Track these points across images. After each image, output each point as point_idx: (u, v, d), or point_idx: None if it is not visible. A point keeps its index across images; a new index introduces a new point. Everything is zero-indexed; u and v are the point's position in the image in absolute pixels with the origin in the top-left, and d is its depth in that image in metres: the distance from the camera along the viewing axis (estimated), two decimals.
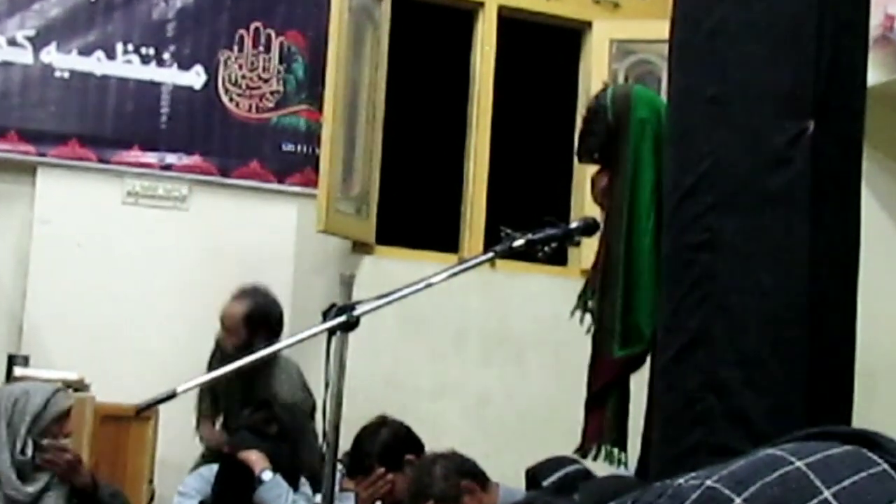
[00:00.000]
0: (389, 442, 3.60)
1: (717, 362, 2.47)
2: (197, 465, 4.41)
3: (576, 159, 5.99)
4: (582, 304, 3.40)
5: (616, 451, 3.27)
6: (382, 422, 3.68)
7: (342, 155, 5.44)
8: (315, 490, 3.76)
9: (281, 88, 5.66)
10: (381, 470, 3.56)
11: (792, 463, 0.88)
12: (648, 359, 3.21)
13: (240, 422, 4.04)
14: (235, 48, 5.61)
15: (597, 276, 3.35)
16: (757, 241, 2.49)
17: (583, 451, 3.32)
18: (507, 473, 3.41)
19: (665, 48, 2.90)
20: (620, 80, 5.80)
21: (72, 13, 5.39)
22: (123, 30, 5.45)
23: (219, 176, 5.55)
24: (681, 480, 0.91)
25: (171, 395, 2.52)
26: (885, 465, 0.88)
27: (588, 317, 3.40)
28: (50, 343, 5.14)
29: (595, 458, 3.27)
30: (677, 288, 2.59)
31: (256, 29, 5.64)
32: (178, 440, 4.76)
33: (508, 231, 2.74)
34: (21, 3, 5.35)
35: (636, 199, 3.21)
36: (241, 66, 5.61)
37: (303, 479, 3.85)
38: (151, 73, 5.49)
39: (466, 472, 3.17)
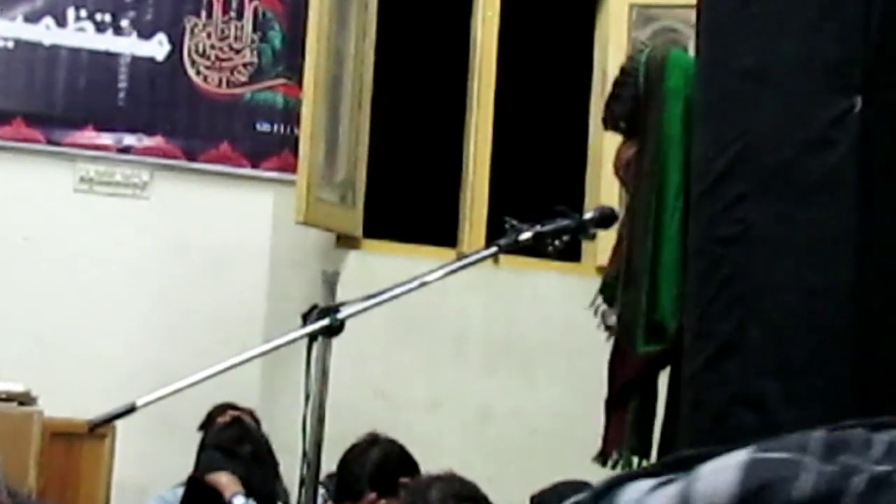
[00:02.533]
0: (381, 463, 3.60)
1: (751, 373, 2.47)
2: None
3: (590, 141, 6.05)
4: (606, 295, 3.39)
5: (636, 459, 3.27)
6: (373, 440, 3.68)
7: (325, 136, 5.43)
8: None
9: (255, 60, 5.66)
10: (373, 495, 3.56)
11: None
12: (669, 368, 3.21)
13: (208, 440, 4.04)
14: (203, 14, 5.60)
15: (620, 260, 3.34)
16: (797, 233, 2.49)
17: (603, 457, 3.32)
18: (513, 499, 3.41)
19: (692, 14, 2.90)
20: None
21: None
22: None
23: (184, 160, 5.54)
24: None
25: (130, 409, 2.51)
26: None
27: (605, 314, 3.40)
28: None
29: (614, 467, 3.27)
30: (706, 287, 2.59)
31: None
32: (137, 460, 4.76)
33: (514, 222, 2.74)
34: None
35: (664, 179, 3.21)
36: (209, 35, 5.60)
37: None
38: (107, 42, 5.48)
39: (466, 498, 3.17)
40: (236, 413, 4.58)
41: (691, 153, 2.90)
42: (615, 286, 3.36)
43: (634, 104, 3.31)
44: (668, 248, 3.18)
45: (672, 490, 0.94)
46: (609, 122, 3.49)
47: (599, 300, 3.40)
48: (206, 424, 4.82)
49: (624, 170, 3.40)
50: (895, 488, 0.88)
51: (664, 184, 3.20)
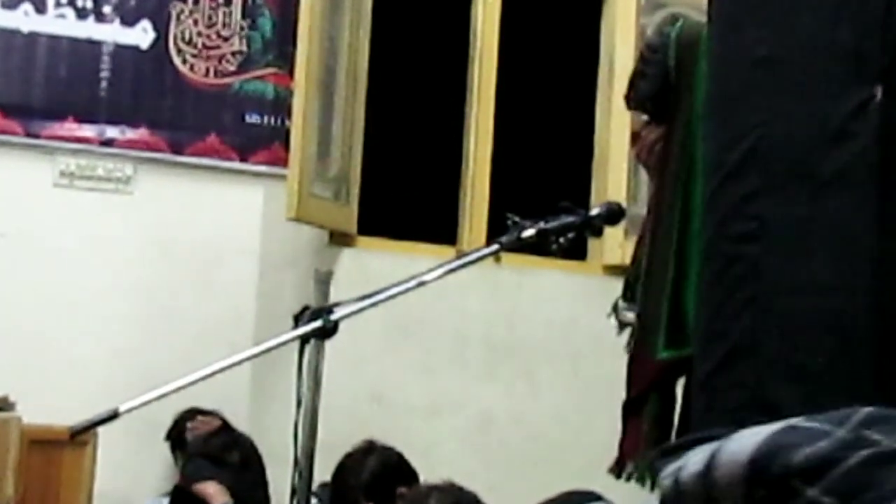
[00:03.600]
0: (378, 472, 3.60)
1: (765, 376, 2.47)
2: None
3: (596, 133, 6.05)
4: (627, 295, 3.36)
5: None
6: (369, 448, 3.68)
7: (317, 128, 5.43)
8: None
9: (244, 48, 5.65)
10: None
11: None
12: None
13: (195, 448, 4.05)
14: (189, 0, 5.60)
15: (643, 255, 3.31)
16: (813, 231, 2.48)
17: (618, 468, 3.31)
18: None
19: (703, 0, 2.89)
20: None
21: None
22: None
23: (169, 153, 5.54)
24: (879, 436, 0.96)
25: (113, 416, 2.51)
26: None
27: (621, 308, 3.38)
28: None
29: (629, 479, 3.26)
30: (718, 287, 2.59)
31: None
32: (119, 469, 4.75)
33: (516, 219, 2.74)
34: None
35: (693, 166, 3.15)
36: (196, 22, 5.60)
37: None
38: (89, 29, 5.48)
39: None
40: (207, 419, 4.58)
41: (703, 147, 2.89)
42: (635, 286, 3.33)
43: (663, 83, 3.24)
44: (695, 245, 3.15)
45: (710, 446, 1.01)
46: (634, 101, 3.41)
47: (620, 302, 3.38)
48: (175, 432, 4.82)
49: (649, 154, 3.34)
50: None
51: (692, 174, 3.15)
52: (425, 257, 4.96)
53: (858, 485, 0.93)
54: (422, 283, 2.67)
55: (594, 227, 2.85)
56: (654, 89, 3.27)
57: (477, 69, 5.97)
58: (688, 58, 3.20)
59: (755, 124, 2.55)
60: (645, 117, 3.37)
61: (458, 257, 2.90)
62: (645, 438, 3.26)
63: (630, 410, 3.32)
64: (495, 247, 2.77)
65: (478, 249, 2.86)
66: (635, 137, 3.42)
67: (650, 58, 3.32)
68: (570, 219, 2.77)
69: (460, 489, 3.24)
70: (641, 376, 3.29)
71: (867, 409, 1.02)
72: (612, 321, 3.41)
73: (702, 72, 3.11)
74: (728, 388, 2.53)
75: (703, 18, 2.99)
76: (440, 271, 2.71)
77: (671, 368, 3.23)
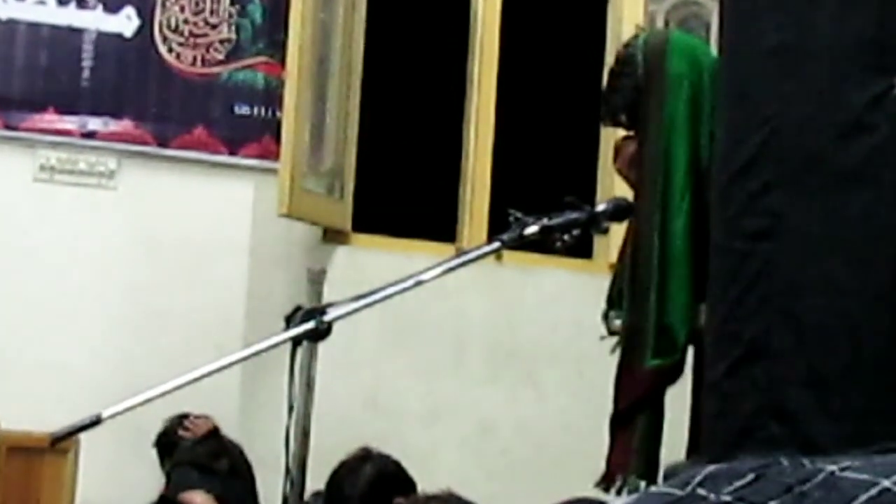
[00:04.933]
0: (374, 481, 3.60)
1: (780, 380, 2.47)
2: None
3: (603, 127, 6.05)
4: (616, 304, 3.41)
5: (643, 484, 3.28)
6: (365, 456, 3.68)
7: (310, 120, 5.43)
8: None
9: (233, 36, 5.66)
10: None
11: None
12: (692, 375, 3.22)
13: (182, 456, 4.05)
14: None
15: (625, 268, 3.37)
16: (829, 227, 2.49)
17: (606, 483, 3.34)
18: None
19: None
20: (659, 25, 5.80)
21: None
22: None
23: (155, 146, 5.54)
24: (832, 468, 1.00)
25: (96, 422, 2.52)
26: None
27: (609, 316, 3.41)
28: None
29: (619, 492, 3.28)
30: (730, 287, 2.59)
31: None
32: (103, 477, 4.76)
33: (518, 215, 2.74)
34: None
35: (669, 172, 3.23)
36: (182, 9, 5.60)
37: None
38: (70, 16, 5.48)
39: None
40: (200, 420, 4.58)
41: (715, 140, 2.91)
42: (621, 293, 3.38)
43: (635, 94, 3.33)
44: (677, 252, 3.20)
45: None
46: (608, 117, 3.52)
47: (611, 312, 3.42)
48: (164, 438, 4.82)
49: (627, 167, 3.42)
50: None
51: (669, 180, 3.22)
52: (423, 255, 4.96)
53: None
54: (419, 283, 2.68)
55: (600, 224, 2.87)
56: (628, 101, 3.36)
57: (477, 57, 5.97)
58: (655, 66, 3.29)
59: (768, 116, 2.56)
60: (622, 132, 3.46)
61: (458, 256, 2.91)
62: (635, 451, 3.29)
63: (618, 424, 3.35)
64: (496, 245, 2.78)
65: (478, 247, 2.87)
66: (616, 152, 3.50)
67: (620, 71, 3.41)
68: (575, 215, 2.78)
69: (458, 499, 3.24)
70: (630, 388, 3.32)
71: (710, 468, 1.09)
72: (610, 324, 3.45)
73: (671, 79, 3.20)
74: (741, 393, 2.54)
75: (714, 5, 3.02)
76: (439, 270, 2.72)
77: (660, 377, 3.27)
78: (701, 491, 1.02)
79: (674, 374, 3.26)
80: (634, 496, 1.12)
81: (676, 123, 3.24)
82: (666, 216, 3.22)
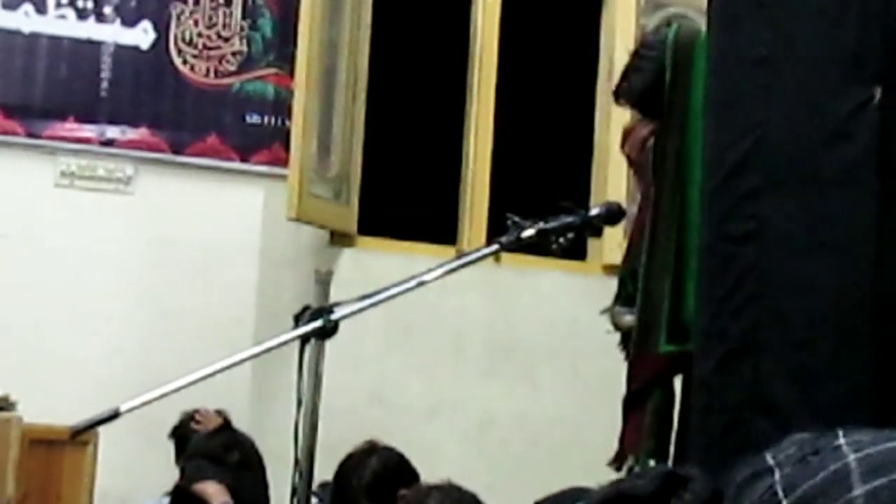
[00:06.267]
0: (380, 473, 3.60)
1: (765, 376, 2.47)
2: None
3: (596, 133, 6.04)
4: (622, 294, 3.37)
5: (653, 463, 3.26)
6: (371, 448, 3.68)
7: (318, 128, 5.43)
8: None
9: (244, 49, 5.65)
10: None
11: None
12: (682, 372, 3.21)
13: (195, 448, 4.04)
14: (190, 0, 5.60)
15: (638, 253, 3.31)
16: (813, 230, 2.48)
17: (618, 461, 3.32)
18: None
19: (703, 0, 2.89)
20: None
21: None
22: None
23: (170, 153, 5.54)
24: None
25: (114, 416, 2.51)
26: None
27: (616, 314, 3.39)
28: None
29: (629, 472, 3.26)
30: (718, 286, 2.59)
31: None
32: (120, 468, 4.75)
33: (516, 219, 2.74)
34: None
35: (690, 162, 3.16)
36: (196, 22, 5.60)
37: None
38: (90, 30, 5.48)
39: None
40: (211, 413, 4.57)
41: (703, 146, 2.90)
42: (631, 284, 3.34)
43: (655, 80, 3.25)
44: (693, 242, 3.15)
45: None
46: (624, 95, 3.43)
47: (616, 305, 3.38)
48: (179, 432, 4.81)
49: (636, 151, 3.36)
50: None
51: (689, 171, 3.16)
52: (425, 257, 4.96)
53: None
54: (422, 283, 2.67)
55: (594, 228, 2.86)
56: (646, 85, 3.30)
57: (477, 69, 5.96)
58: (684, 60, 3.22)
59: (755, 124, 2.55)
60: (636, 114, 3.39)
61: (458, 257, 2.91)
62: (647, 431, 3.27)
63: (631, 405, 3.33)
64: (495, 247, 2.77)
65: (478, 249, 2.86)
66: (625, 136, 3.44)
67: (645, 54, 3.34)
68: (569, 219, 2.77)
69: (459, 489, 3.23)
70: (643, 370, 3.30)
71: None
72: (604, 322, 3.42)
73: (698, 73, 3.13)
74: (728, 387, 2.53)
75: (703, 19, 3.00)
76: (440, 271, 2.71)
77: (672, 363, 3.24)
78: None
79: (687, 361, 3.24)
80: None
81: (697, 116, 3.18)
82: (684, 211, 3.17)
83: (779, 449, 1.08)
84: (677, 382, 3.30)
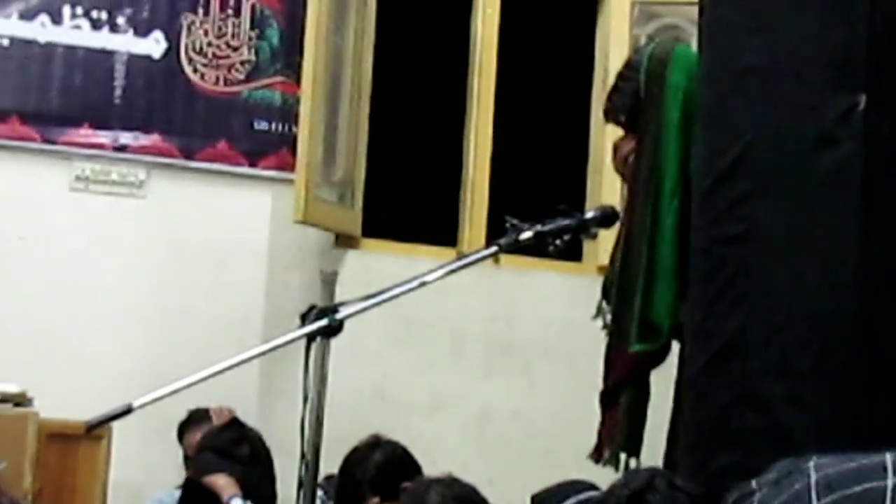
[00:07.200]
0: (384, 466, 3.59)
1: (754, 373, 2.46)
2: None
3: (592, 139, 6.04)
4: (607, 294, 3.39)
5: (624, 456, 3.27)
6: (375, 443, 3.67)
7: (323, 134, 5.43)
8: None
9: (253, 58, 5.65)
10: (376, 499, 3.56)
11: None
12: (676, 370, 3.21)
13: (205, 442, 4.04)
14: (200, 11, 5.60)
15: (617, 257, 3.34)
16: (801, 233, 2.48)
17: (597, 454, 3.33)
18: (513, 502, 3.41)
19: (695, 11, 2.90)
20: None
21: None
22: None
23: (181, 158, 5.54)
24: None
25: (127, 411, 2.51)
26: None
27: (605, 313, 3.40)
28: None
29: (605, 465, 3.28)
30: (708, 287, 2.59)
31: None
32: (133, 462, 4.75)
33: (514, 221, 2.74)
34: None
35: (661, 173, 3.20)
36: (206, 32, 5.60)
37: None
38: (104, 40, 5.48)
39: (464, 501, 3.16)
40: (220, 408, 4.57)
41: (691, 151, 2.90)
42: (612, 288, 3.36)
43: (635, 98, 3.30)
44: (664, 248, 3.18)
45: None
46: (610, 115, 3.49)
47: (604, 303, 3.40)
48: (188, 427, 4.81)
49: (623, 165, 3.40)
50: None
51: (661, 182, 3.20)
52: (427, 258, 4.96)
53: None
54: (423, 284, 2.67)
55: (589, 230, 2.86)
56: (628, 104, 3.34)
57: (476, 77, 5.96)
58: (657, 74, 3.26)
59: (743, 130, 2.55)
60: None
61: (459, 258, 2.91)
62: (619, 428, 3.28)
63: (606, 401, 3.34)
64: (494, 248, 2.77)
65: (477, 251, 2.86)
66: (614, 150, 3.48)
67: (626, 74, 3.38)
68: (566, 221, 2.77)
69: (459, 482, 3.23)
70: (618, 367, 3.31)
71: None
72: (599, 322, 3.43)
73: (671, 89, 3.18)
74: (717, 386, 2.53)
75: (695, 29, 3.00)
76: (441, 272, 2.71)
77: (644, 361, 3.26)
78: None
79: (657, 357, 3.25)
80: None
81: (670, 130, 3.22)
82: (656, 218, 3.20)
83: (766, 473, 1.19)
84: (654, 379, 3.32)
